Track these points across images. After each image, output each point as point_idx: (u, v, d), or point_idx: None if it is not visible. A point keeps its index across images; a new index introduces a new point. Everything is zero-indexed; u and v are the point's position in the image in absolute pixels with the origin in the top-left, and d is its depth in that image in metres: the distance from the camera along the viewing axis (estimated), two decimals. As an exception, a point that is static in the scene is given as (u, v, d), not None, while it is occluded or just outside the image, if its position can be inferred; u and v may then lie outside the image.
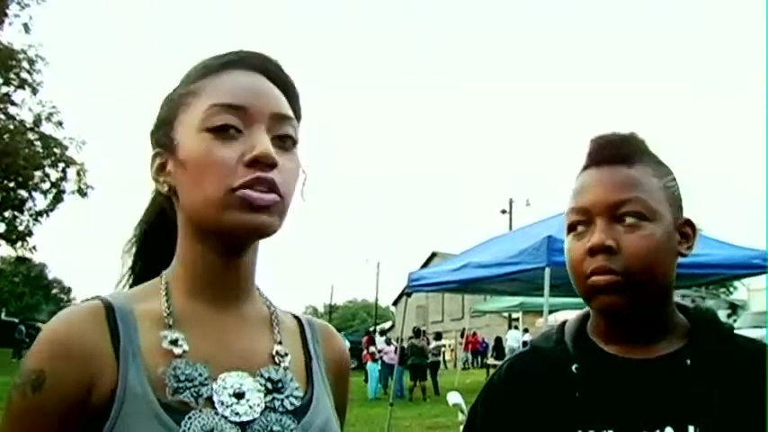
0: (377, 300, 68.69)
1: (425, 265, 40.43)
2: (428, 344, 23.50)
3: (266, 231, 1.15)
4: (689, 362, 1.31)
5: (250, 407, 1.12)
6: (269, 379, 1.17)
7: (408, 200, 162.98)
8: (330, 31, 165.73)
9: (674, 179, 1.41)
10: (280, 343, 1.25)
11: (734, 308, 45.60)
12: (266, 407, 1.14)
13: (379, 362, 22.61)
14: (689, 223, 1.41)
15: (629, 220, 1.31)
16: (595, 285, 1.30)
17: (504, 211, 45.17)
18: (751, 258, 8.78)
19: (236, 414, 1.10)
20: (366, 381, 22.95)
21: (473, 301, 29.65)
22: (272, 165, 1.14)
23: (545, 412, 1.36)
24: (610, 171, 1.35)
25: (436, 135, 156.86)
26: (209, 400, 1.09)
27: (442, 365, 27.02)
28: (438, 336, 26.48)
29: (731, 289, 61.92)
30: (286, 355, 1.23)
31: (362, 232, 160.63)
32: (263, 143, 1.13)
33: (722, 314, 42.64)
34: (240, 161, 1.12)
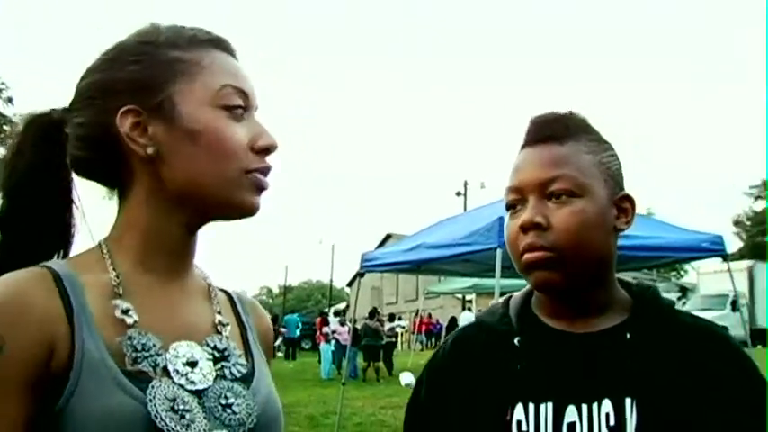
0: (331, 281, 68.89)
1: (381, 246, 40.42)
2: (381, 325, 23.58)
3: (257, 213, 1.23)
4: (628, 336, 1.34)
5: (204, 375, 1.13)
6: (215, 348, 1.19)
7: (365, 182, 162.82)
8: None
9: (613, 155, 1.44)
10: (219, 313, 1.27)
11: (684, 291, 46.37)
12: (217, 375, 1.16)
13: (333, 342, 22.66)
14: (627, 198, 1.42)
15: (558, 196, 1.33)
16: (528, 262, 1.33)
17: (458, 194, 45.46)
18: (701, 242, 8.92)
19: (192, 382, 1.11)
20: (320, 361, 23.00)
21: (427, 282, 29.71)
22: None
23: (488, 384, 1.37)
24: (541, 150, 1.38)
25: (393, 117, 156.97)
26: (165, 370, 1.10)
27: (399, 346, 27.12)
28: (392, 317, 26.53)
29: (682, 272, 63.06)
30: (227, 324, 1.26)
31: (318, 213, 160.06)
32: (269, 132, 1.22)
33: (672, 297, 43.20)
34: (250, 145, 1.19)
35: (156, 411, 1.03)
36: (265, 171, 1.21)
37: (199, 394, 1.11)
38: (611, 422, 1.27)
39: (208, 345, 1.18)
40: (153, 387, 1.05)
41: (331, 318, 27.25)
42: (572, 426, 1.29)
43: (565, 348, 1.36)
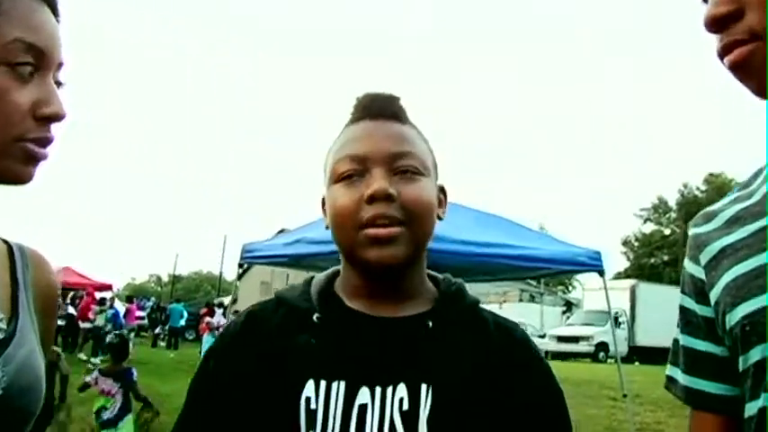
0: (221, 272, 68.23)
1: (273, 240, 40.27)
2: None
3: (28, 183, 1.14)
4: (430, 324, 1.32)
5: None
6: None
7: (262, 175, 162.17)
8: None
9: (431, 147, 1.45)
10: None
11: (569, 305, 48.02)
12: None
13: (215, 333, 22.44)
14: (443, 190, 1.45)
15: (405, 171, 1.31)
16: (380, 236, 1.27)
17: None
18: (577, 256, 9.10)
19: None
20: (201, 352, 22.76)
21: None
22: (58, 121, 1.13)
23: (280, 359, 1.31)
24: (386, 125, 1.37)
25: (296, 111, 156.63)
26: None
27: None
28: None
29: (570, 288, 65.18)
30: None
31: (214, 204, 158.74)
32: (58, 99, 1.12)
33: (558, 310, 44.85)
34: (32, 111, 1.09)
35: None
36: (44, 142, 1.12)
37: None
38: (405, 407, 1.23)
39: None
40: None
41: (217, 309, 27.00)
42: (363, 407, 1.24)
43: (365, 330, 1.33)
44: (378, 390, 1.25)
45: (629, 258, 75.08)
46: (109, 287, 27.93)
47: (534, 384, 1.34)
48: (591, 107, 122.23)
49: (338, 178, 1.33)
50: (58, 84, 1.16)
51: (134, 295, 35.05)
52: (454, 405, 1.24)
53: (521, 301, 41.17)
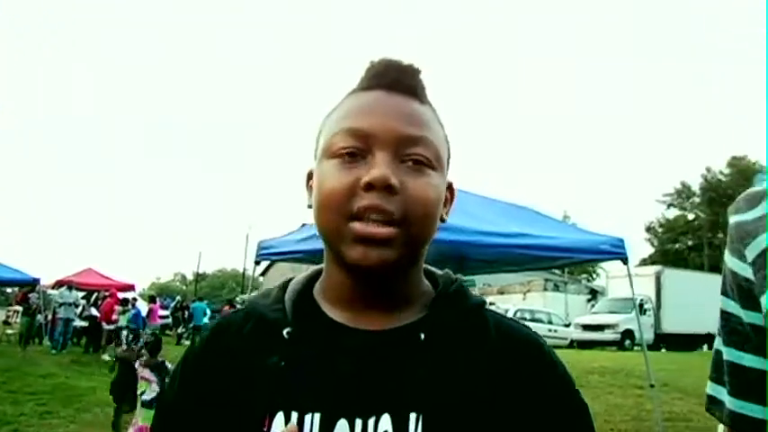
0: (245, 269, 68.30)
1: (294, 236, 40.56)
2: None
3: None
4: (423, 337, 1.10)
5: None
6: None
7: (284, 168, 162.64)
8: None
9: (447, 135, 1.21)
10: None
11: (594, 293, 47.77)
12: None
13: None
14: (450, 187, 1.21)
15: (415, 161, 1.09)
16: (370, 236, 1.04)
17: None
18: (599, 244, 8.90)
19: None
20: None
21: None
22: None
23: (246, 385, 1.10)
24: (403, 100, 1.13)
25: (324, 100, 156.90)
26: None
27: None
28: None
29: (594, 276, 65.06)
30: None
31: (237, 201, 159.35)
32: None
33: (583, 299, 44.59)
34: None
35: None
36: None
37: None
38: None
39: None
40: None
41: (239, 306, 27.16)
42: None
43: (344, 347, 1.10)
44: (358, 423, 1.04)
45: (653, 245, 74.77)
46: (131, 287, 27.95)
47: (548, 397, 1.12)
48: (612, 94, 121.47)
49: (333, 154, 1.11)
50: None
51: (158, 294, 35.06)
52: None
53: (545, 290, 40.90)
